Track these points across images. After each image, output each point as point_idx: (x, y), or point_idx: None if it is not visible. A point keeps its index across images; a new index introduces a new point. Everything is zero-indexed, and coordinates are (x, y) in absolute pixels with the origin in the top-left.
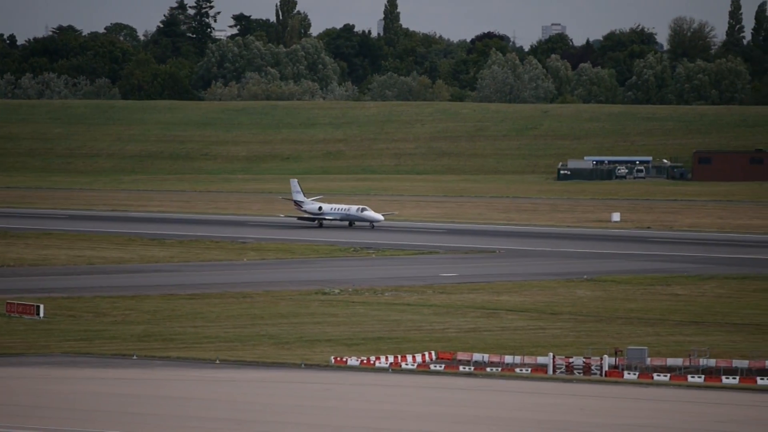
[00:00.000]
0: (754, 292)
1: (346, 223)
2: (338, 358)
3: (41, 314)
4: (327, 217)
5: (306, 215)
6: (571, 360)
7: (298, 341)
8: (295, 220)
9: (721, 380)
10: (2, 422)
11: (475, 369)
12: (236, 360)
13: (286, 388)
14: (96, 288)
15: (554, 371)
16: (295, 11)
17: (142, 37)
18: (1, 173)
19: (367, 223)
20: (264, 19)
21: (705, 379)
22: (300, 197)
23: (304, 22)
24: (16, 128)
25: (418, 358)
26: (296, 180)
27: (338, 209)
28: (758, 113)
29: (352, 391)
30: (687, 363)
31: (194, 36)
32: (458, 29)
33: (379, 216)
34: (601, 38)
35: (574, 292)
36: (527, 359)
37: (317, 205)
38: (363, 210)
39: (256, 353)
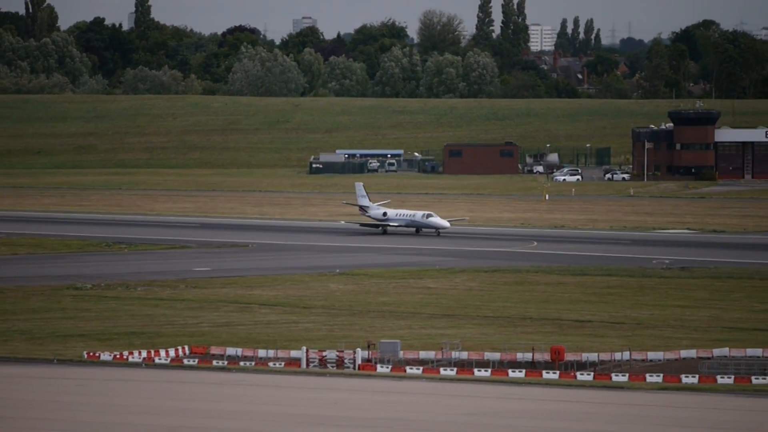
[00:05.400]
0: (505, 285)
1: (413, 229)
2: (91, 353)
3: None
4: (392, 224)
5: (370, 221)
6: (324, 353)
7: (51, 336)
8: (357, 226)
9: (473, 373)
10: None
11: (228, 363)
12: None
13: (39, 383)
14: None
15: (308, 365)
16: (45, 4)
17: None
18: None
19: (433, 230)
20: (13, 12)
21: (457, 372)
22: (365, 202)
23: (53, 15)
24: None
25: (172, 352)
26: (361, 184)
27: (404, 215)
28: (507, 106)
29: (105, 386)
30: (439, 356)
31: None
32: (209, 22)
33: (445, 223)
34: (353, 32)
35: (326, 286)
36: (281, 353)
37: (382, 210)
38: (429, 216)
39: (7, 349)
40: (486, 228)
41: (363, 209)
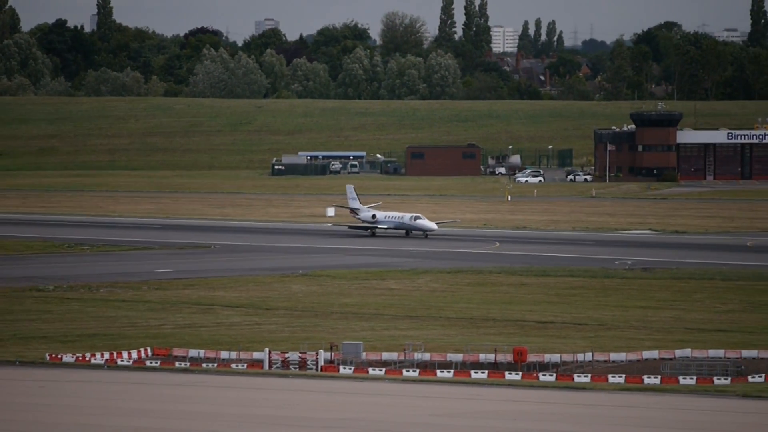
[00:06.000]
0: (468, 286)
1: (403, 232)
2: (53, 355)
3: None
4: (380, 226)
5: (358, 224)
6: (287, 355)
7: (12, 338)
8: (345, 228)
9: (435, 374)
10: None
11: (191, 365)
12: None
13: (0, 385)
14: None
15: (270, 366)
16: (7, 6)
17: None
18: None
19: (421, 233)
20: None
21: (420, 373)
22: (356, 204)
23: (15, 17)
24: None
25: (134, 354)
26: (352, 186)
27: (392, 217)
28: (470, 108)
29: (67, 388)
30: (402, 357)
31: None
32: (171, 24)
33: (432, 225)
34: (315, 33)
35: (289, 287)
36: (243, 354)
37: (372, 212)
38: (416, 218)
39: None
40: (448, 229)
41: (353, 211)
